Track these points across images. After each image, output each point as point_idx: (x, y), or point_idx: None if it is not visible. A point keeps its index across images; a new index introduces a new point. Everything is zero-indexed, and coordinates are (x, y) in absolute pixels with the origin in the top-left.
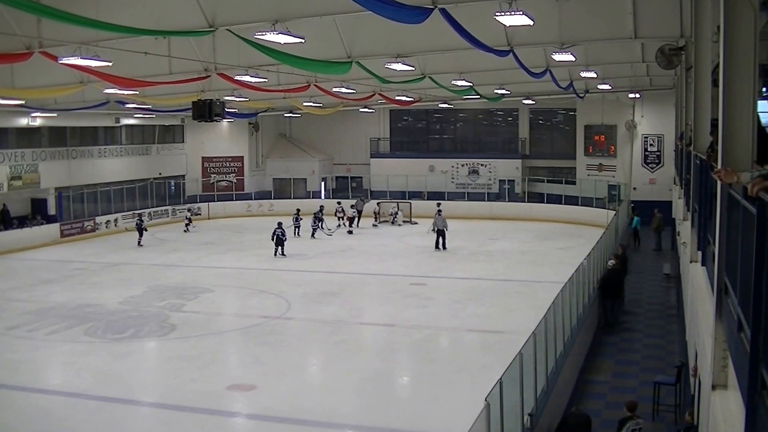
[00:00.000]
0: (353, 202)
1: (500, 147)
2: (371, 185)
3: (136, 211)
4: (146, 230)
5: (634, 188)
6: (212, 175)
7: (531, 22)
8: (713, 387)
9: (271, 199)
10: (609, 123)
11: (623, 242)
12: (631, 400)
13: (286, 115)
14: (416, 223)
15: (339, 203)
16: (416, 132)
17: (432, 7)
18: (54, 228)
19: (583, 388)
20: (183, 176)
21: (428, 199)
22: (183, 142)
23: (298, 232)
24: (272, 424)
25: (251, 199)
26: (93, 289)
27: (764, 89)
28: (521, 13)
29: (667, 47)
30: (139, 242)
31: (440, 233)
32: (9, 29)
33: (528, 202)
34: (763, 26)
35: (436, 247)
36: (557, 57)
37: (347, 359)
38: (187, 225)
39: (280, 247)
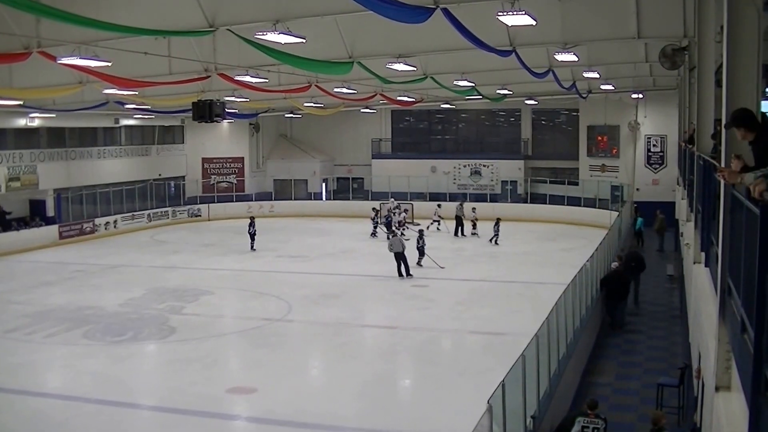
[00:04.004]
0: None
1: (502, 148)
2: (372, 186)
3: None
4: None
5: (637, 189)
6: (212, 176)
7: (534, 22)
8: (716, 389)
9: (271, 200)
10: (612, 123)
11: (633, 243)
12: (592, 399)
13: (286, 115)
14: (418, 224)
15: (439, 206)
16: (418, 133)
17: (434, 6)
18: (53, 230)
19: (586, 390)
20: (183, 177)
21: (430, 200)
22: (183, 142)
23: (375, 233)
24: (273, 427)
25: (252, 200)
26: (92, 292)
27: None
28: (524, 12)
29: (669, 47)
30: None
31: (398, 257)
32: (7, 29)
33: (530, 203)
34: (767, 26)
35: (399, 274)
36: (560, 57)
37: (349, 362)
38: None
39: (421, 257)
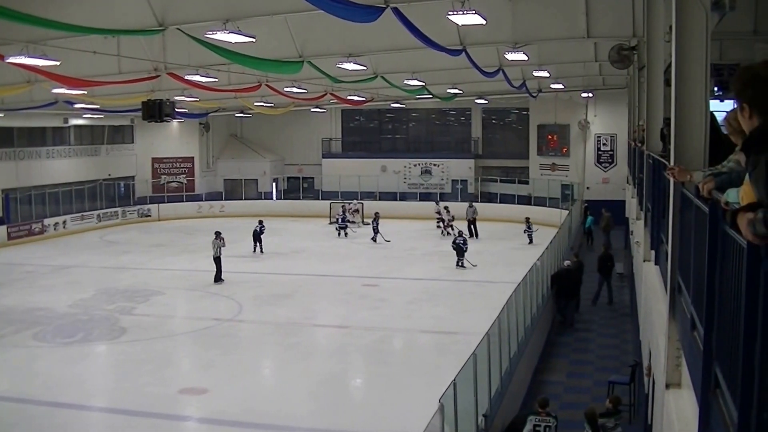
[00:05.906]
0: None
1: (453, 147)
2: (323, 186)
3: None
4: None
5: (588, 188)
6: (162, 176)
7: (484, 22)
8: (667, 386)
9: (222, 200)
10: (562, 122)
11: (584, 242)
12: (543, 397)
13: (237, 115)
14: (368, 224)
15: (438, 203)
16: (368, 132)
17: (384, 6)
18: (1, 230)
19: (538, 389)
20: (133, 177)
21: (380, 199)
22: (132, 142)
23: (341, 233)
24: (226, 427)
25: (202, 200)
26: (42, 293)
27: (716, 89)
28: (474, 12)
29: (619, 47)
30: (259, 249)
31: (217, 261)
32: None
33: (481, 202)
34: (714, 26)
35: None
36: (510, 56)
37: (301, 362)
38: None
39: (461, 258)
